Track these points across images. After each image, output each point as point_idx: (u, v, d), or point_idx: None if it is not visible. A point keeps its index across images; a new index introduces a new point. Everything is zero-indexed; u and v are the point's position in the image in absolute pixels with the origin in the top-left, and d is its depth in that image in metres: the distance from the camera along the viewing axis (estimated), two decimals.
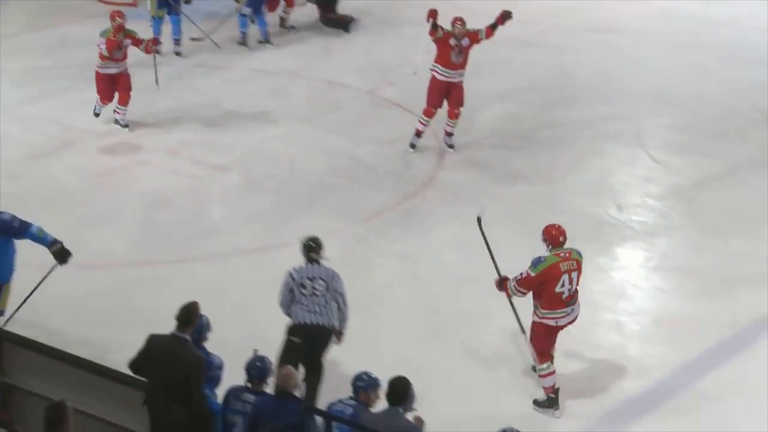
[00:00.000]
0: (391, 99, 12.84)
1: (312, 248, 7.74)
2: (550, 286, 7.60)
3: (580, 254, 7.75)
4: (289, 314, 7.63)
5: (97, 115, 12.02)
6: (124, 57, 11.81)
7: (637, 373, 8.31)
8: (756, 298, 9.10)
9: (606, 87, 13.47)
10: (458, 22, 11.21)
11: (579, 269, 7.72)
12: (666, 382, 8.17)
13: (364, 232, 10.26)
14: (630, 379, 8.25)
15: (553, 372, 7.86)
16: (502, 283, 7.87)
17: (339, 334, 7.64)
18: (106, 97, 11.91)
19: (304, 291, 7.52)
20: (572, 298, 7.71)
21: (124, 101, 11.91)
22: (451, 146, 11.68)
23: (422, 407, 6.55)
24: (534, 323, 7.81)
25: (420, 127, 11.59)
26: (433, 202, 10.85)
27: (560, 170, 11.44)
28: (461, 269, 9.50)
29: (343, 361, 7.84)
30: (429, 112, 11.47)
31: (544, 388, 7.90)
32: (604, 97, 13.18)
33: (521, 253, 7.92)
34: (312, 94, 13.20)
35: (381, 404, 6.53)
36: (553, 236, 7.71)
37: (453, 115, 11.47)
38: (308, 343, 7.49)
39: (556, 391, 7.87)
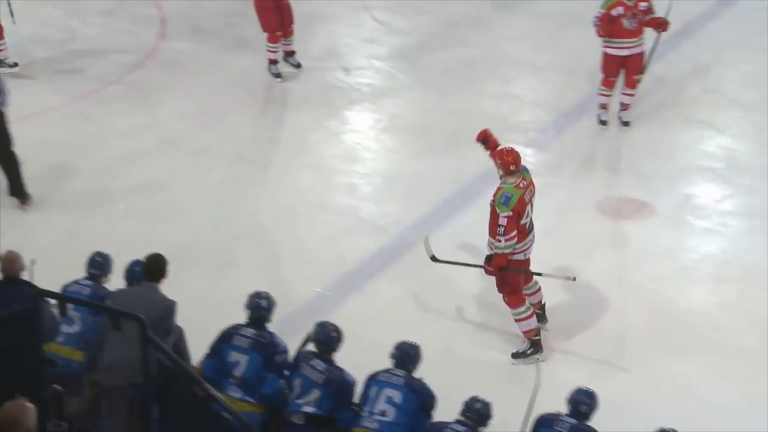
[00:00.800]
0: None
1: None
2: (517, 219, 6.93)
3: (528, 172, 7.07)
4: None
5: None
6: None
7: (373, 232, 8.53)
8: (479, 152, 9.52)
9: None
10: None
11: (534, 190, 7.07)
12: (401, 238, 8.38)
13: (90, 107, 10.04)
14: (366, 239, 8.44)
15: (533, 313, 7.19)
16: (490, 263, 6.98)
17: None
18: None
19: None
20: (532, 224, 7.10)
21: None
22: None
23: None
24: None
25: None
26: (158, 74, 10.66)
27: None
28: (193, 141, 9.60)
29: None
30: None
31: (523, 333, 7.17)
32: None
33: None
34: None
35: None
36: (505, 162, 6.93)
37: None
38: None
39: (538, 331, 7.20)
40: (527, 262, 7.17)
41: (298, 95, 10.46)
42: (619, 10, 9.13)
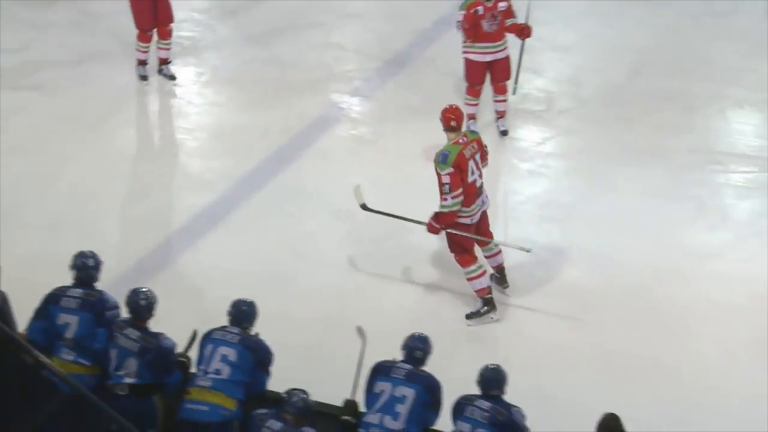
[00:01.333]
0: None
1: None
2: (463, 176, 6.76)
3: (476, 133, 7.08)
4: None
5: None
6: None
7: (200, 187, 8.39)
8: (308, 101, 9.34)
9: None
10: None
11: (481, 150, 6.93)
12: (229, 194, 8.28)
13: None
14: (197, 195, 8.30)
15: (484, 272, 7.09)
16: (437, 222, 6.83)
17: None
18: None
19: None
20: (481, 187, 6.94)
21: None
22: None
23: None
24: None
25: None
26: None
27: None
28: None
29: None
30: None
31: (476, 292, 7.08)
32: None
33: None
34: None
35: None
36: (446, 118, 6.84)
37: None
38: None
39: (491, 290, 7.10)
40: (477, 227, 7.00)
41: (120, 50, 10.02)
42: (479, 10, 8.34)
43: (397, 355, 5.82)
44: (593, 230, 7.99)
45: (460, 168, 6.74)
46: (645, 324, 7.20)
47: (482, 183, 6.97)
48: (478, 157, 6.88)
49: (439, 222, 6.87)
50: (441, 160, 6.74)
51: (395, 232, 7.75)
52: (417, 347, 5.76)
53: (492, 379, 5.56)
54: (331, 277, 7.61)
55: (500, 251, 7.21)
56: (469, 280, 7.07)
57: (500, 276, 7.31)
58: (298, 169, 8.59)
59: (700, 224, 8.11)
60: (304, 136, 8.86)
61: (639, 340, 7.05)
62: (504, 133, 8.93)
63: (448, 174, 6.70)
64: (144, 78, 9.55)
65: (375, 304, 7.33)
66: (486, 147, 7.12)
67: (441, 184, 6.76)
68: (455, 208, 6.79)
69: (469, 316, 7.12)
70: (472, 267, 7.04)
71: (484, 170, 7.02)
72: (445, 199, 6.76)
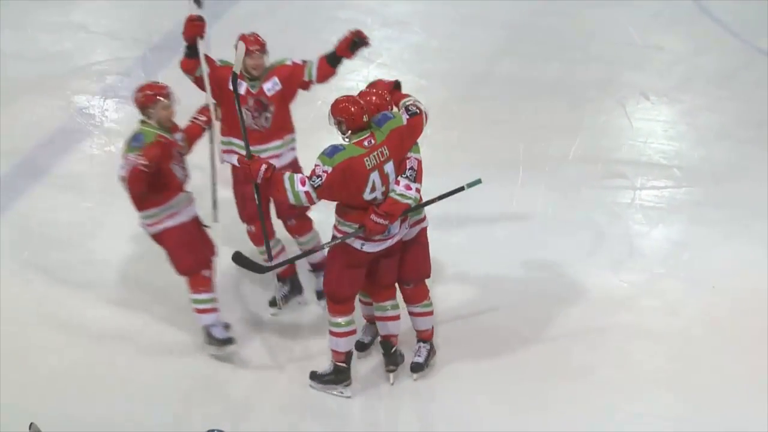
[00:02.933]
0: None
1: None
2: (353, 190, 6.58)
3: (393, 120, 6.74)
4: None
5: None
6: None
7: None
8: (41, 107, 9.40)
9: None
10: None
11: (397, 152, 6.69)
12: None
13: None
14: None
15: (353, 331, 6.98)
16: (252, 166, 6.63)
17: None
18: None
19: None
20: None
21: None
22: None
23: None
24: (332, 247, 6.83)
25: None
26: None
27: None
28: None
29: None
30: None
31: (333, 352, 7.00)
32: None
33: None
34: None
35: None
36: (352, 115, 6.65)
37: None
38: None
39: (348, 357, 7.02)
40: (365, 258, 6.88)
41: None
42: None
43: None
44: (454, 272, 7.86)
45: (349, 177, 6.56)
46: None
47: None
48: (389, 166, 6.66)
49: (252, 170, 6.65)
50: (329, 151, 6.55)
51: None
52: None
53: None
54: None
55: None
56: (331, 334, 6.96)
57: (386, 354, 7.13)
58: (33, 208, 8.39)
59: (598, 262, 7.97)
60: (37, 159, 8.70)
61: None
62: None
63: (325, 171, 6.53)
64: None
65: None
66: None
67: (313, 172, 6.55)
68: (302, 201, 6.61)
69: (312, 376, 7.07)
70: (343, 319, 6.93)
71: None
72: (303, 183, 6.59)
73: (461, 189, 6.96)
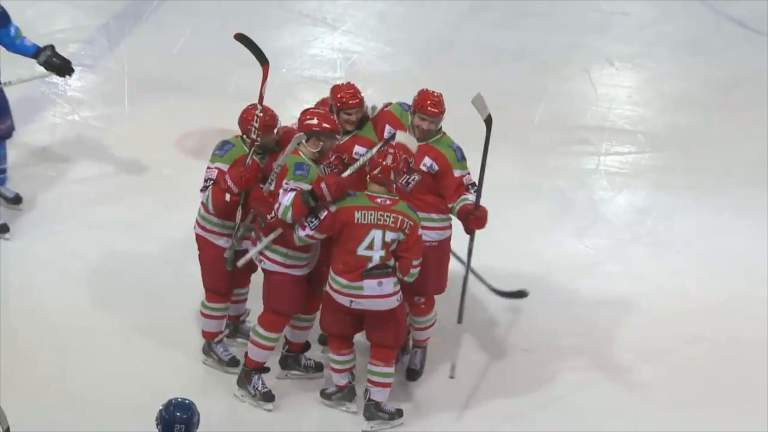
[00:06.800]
0: None
1: None
2: (347, 239, 6.45)
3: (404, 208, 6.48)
4: None
5: None
6: None
7: None
8: None
9: None
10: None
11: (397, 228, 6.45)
12: None
13: None
14: None
15: (352, 367, 6.75)
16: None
17: None
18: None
19: None
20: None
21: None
22: None
23: None
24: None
25: None
26: None
27: None
28: None
29: None
30: None
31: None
32: None
33: None
34: None
35: None
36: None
37: None
38: None
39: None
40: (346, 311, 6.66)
41: None
42: None
43: None
44: None
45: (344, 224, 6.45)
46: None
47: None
48: (391, 235, 6.50)
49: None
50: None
51: None
52: (177, 420, 5.58)
53: None
54: None
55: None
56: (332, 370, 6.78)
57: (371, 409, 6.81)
58: None
59: (564, 228, 7.98)
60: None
61: None
62: None
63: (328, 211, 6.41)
64: None
65: None
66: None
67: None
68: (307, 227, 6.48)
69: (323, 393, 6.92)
70: (342, 357, 6.76)
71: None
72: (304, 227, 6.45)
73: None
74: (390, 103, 6.91)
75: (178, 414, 5.65)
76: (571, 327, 7.14)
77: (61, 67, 7.54)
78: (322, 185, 6.40)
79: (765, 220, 8.05)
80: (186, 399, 5.58)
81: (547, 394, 6.72)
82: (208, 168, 6.68)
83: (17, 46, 7.55)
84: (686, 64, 9.63)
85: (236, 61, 9.00)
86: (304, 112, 6.54)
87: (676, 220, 7.98)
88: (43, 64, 7.56)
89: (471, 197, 6.57)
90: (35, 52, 7.57)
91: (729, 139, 8.77)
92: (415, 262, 6.48)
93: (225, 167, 6.56)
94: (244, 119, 6.63)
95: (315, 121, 6.45)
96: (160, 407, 5.45)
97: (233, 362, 6.94)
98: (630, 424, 6.53)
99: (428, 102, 6.73)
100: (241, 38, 6.57)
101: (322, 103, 6.79)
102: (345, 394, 6.88)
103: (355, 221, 6.46)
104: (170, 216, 7.57)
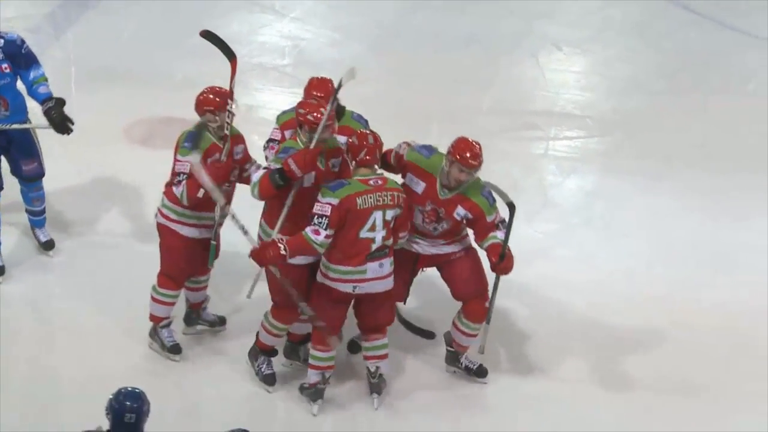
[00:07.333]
0: None
1: None
2: (349, 227, 6.45)
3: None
4: None
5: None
6: None
7: None
8: None
9: None
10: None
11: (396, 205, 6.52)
12: None
13: None
14: None
15: (327, 367, 6.70)
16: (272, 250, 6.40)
17: None
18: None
19: None
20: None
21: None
22: None
23: None
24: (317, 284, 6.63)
25: None
26: None
27: None
28: None
29: None
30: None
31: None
32: None
33: None
34: None
35: None
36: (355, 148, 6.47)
37: None
38: None
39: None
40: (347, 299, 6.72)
41: None
42: None
43: None
44: None
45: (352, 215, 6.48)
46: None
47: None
48: (391, 213, 6.58)
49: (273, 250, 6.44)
50: (334, 186, 6.48)
51: None
52: (126, 410, 5.52)
53: None
54: None
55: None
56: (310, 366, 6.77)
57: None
58: None
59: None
60: None
61: None
62: None
63: (329, 204, 6.45)
64: None
65: None
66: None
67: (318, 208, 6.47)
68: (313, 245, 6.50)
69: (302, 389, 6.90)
70: (325, 353, 6.73)
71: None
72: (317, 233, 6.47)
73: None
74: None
75: (128, 403, 5.63)
76: (522, 311, 7.17)
77: (58, 124, 7.44)
78: (289, 161, 6.41)
79: (711, 201, 8.08)
80: (136, 388, 5.57)
81: (492, 382, 6.68)
82: (178, 161, 6.64)
83: (31, 91, 7.51)
84: (633, 48, 9.67)
85: (183, 50, 9.07)
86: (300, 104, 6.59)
87: (624, 203, 8.02)
88: (44, 113, 7.57)
89: (500, 234, 6.60)
90: (42, 101, 7.50)
91: (676, 123, 8.80)
92: (401, 234, 6.63)
93: (197, 159, 6.54)
94: (202, 102, 6.65)
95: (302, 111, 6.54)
96: (110, 396, 5.44)
97: (175, 349, 6.90)
98: (567, 408, 6.54)
99: (468, 154, 6.57)
100: (207, 35, 6.57)
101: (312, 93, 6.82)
102: (311, 393, 6.84)
103: (358, 207, 6.52)
104: (122, 205, 7.60)
